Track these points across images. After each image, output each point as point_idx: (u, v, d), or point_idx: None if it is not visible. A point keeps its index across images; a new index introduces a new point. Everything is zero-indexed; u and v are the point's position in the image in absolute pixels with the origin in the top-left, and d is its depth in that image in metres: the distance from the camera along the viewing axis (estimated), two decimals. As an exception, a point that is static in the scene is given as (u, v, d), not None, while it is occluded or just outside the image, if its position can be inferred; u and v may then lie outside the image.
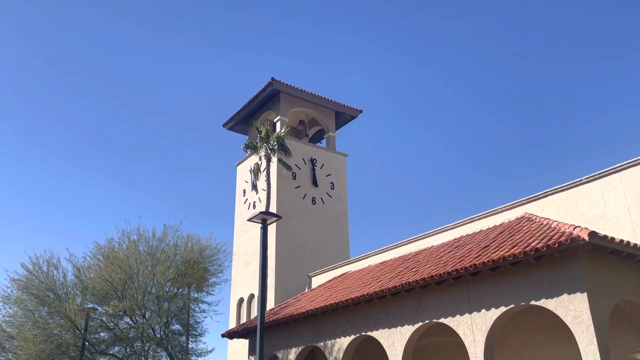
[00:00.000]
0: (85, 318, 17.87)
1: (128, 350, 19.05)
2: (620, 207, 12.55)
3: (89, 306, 18.23)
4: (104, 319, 19.08)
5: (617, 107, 49.30)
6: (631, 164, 12.59)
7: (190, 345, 19.68)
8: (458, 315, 12.06)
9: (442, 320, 12.43)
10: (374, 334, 14.04)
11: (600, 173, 13.17)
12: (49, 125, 61.40)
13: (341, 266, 21.05)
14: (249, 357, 19.42)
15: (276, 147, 22.28)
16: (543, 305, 10.66)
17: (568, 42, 51.60)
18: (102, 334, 19.45)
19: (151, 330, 18.72)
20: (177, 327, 19.79)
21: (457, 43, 56.88)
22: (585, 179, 13.47)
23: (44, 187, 61.84)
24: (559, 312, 10.35)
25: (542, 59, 52.76)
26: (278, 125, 25.85)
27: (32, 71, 59.64)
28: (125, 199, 62.05)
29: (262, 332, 11.93)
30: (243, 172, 27.58)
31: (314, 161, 26.24)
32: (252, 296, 24.67)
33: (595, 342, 9.69)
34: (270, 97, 26.59)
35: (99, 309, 18.77)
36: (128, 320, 18.99)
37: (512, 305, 11.14)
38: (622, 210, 12.50)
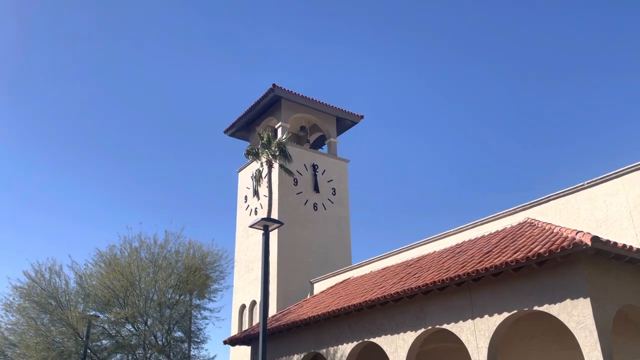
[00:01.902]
0: (87, 325, 17.84)
1: (130, 357, 18.99)
2: (623, 211, 12.52)
3: (91, 313, 18.20)
4: (106, 326, 19.04)
5: (619, 111, 49.32)
6: (633, 168, 12.57)
7: (192, 352, 19.63)
8: (461, 321, 12.02)
9: (445, 326, 12.39)
10: (377, 340, 14.00)
11: (602, 177, 13.15)
12: (50, 131, 61.59)
13: (343, 272, 21.01)
14: (251, 364, 19.35)
15: (277, 153, 22.30)
16: (546, 311, 10.62)
17: (569, 46, 51.71)
18: (104, 341, 19.40)
19: (153, 338, 18.68)
20: (179, 334, 19.75)
21: (459, 48, 57.02)
22: (587, 183, 13.45)
23: (46, 194, 61.96)
24: (562, 318, 10.31)
25: (543, 63, 52.86)
26: (279, 131, 25.89)
27: (33, 75, 59.88)
28: (127, 205, 62.13)
29: (265, 338, 11.90)
30: (244, 179, 27.60)
31: (316, 167, 26.25)
32: (254, 303, 24.63)
33: (599, 348, 9.65)
34: (272, 104, 26.64)
35: (101, 316, 18.74)
36: (130, 327, 18.96)
37: (515, 311, 11.10)
38: (625, 214, 12.47)
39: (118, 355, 19.34)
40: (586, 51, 50.88)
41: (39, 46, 59.19)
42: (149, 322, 18.75)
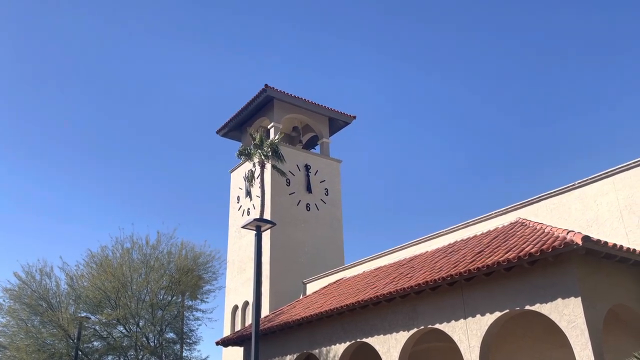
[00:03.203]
0: (78, 327, 17.73)
1: (122, 359, 18.89)
2: (613, 211, 12.62)
3: (82, 315, 18.08)
4: (97, 327, 18.93)
5: (610, 112, 49.71)
6: (623, 168, 12.67)
7: (184, 354, 19.57)
8: (453, 321, 12.05)
9: (437, 325, 12.42)
10: (370, 340, 14.01)
11: (593, 177, 13.24)
12: (41, 132, 61.16)
13: (336, 272, 21.01)
14: (243, 365, 19.29)
15: (270, 154, 22.26)
16: (538, 310, 10.68)
17: (562, 49, 52.02)
18: (95, 343, 19.29)
19: (145, 339, 18.60)
20: (171, 335, 19.68)
21: (452, 48, 57.22)
22: (578, 183, 13.54)
23: (37, 195, 61.51)
24: (554, 317, 10.37)
25: (533, 65, 53.15)
26: (272, 131, 25.85)
27: (25, 75, 59.44)
28: (119, 206, 61.81)
29: (257, 339, 11.86)
30: (237, 179, 27.54)
31: (308, 167, 26.24)
32: (246, 303, 24.57)
33: (590, 347, 9.71)
34: (264, 104, 26.61)
35: (92, 317, 18.62)
36: (122, 329, 18.86)
37: (507, 310, 11.15)
38: (615, 214, 12.57)
39: (109, 357, 19.25)
40: (582, 51, 51.27)
41: (28, 45, 58.81)
42: (140, 324, 18.66)
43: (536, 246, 10.63)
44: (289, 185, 25.24)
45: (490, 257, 11.51)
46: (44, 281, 19.25)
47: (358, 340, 14.38)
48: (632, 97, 48.00)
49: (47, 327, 18.61)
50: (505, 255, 10.95)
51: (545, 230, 11.86)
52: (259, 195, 23.08)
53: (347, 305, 14.18)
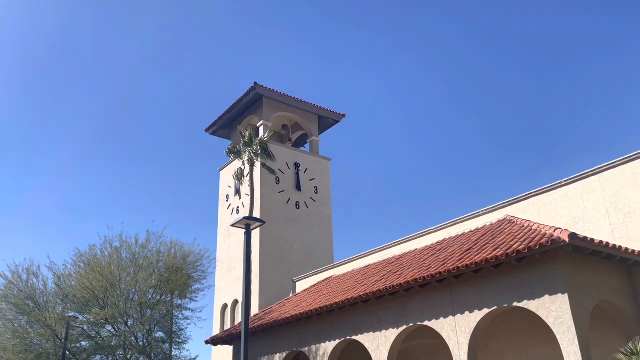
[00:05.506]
0: (66, 327, 17.59)
1: (110, 359, 18.78)
2: (599, 208, 12.76)
3: (70, 315, 17.95)
4: (85, 327, 18.81)
5: (598, 111, 50.21)
6: (609, 166, 12.82)
7: (173, 353, 19.49)
8: (442, 318, 12.13)
9: (426, 323, 12.48)
10: (359, 338, 14.05)
11: (580, 175, 13.38)
12: (29, 130, 60.51)
13: (325, 270, 21.04)
14: (233, 364, 19.25)
15: (259, 152, 22.21)
16: (525, 307, 10.77)
17: (552, 49, 52.45)
18: (83, 342, 19.16)
19: (134, 338, 18.50)
20: (160, 334, 19.59)
21: (440, 47, 57.45)
22: (565, 181, 13.68)
23: (24, 193, 60.85)
24: (541, 313, 10.47)
25: (523, 65, 53.54)
26: (261, 129, 25.80)
27: (14, 71, 58.75)
28: (108, 205, 61.33)
29: (247, 338, 11.85)
30: (226, 177, 27.45)
31: (298, 165, 26.23)
32: (236, 302, 24.53)
33: (577, 343, 9.81)
34: (254, 102, 26.55)
35: (80, 317, 18.50)
36: (110, 328, 18.75)
37: (495, 307, 11.23)
38: (601, 211, 12.71)
39: (98, 357, 19.14)
40: (569, 51, 51.71)
41: (18, 45, 58.12)
42: (129, 323, 18.56)
43: (524, 243, 10.72)
44: (279, 183, 25.22)
45: (478, 254, 11.59)
46: (31, 281, 19.11)
47: (348, 338, 14.41)
48: (628, 97, 48.55)
49: (35, 327, 18.46)
50: (493, 253, 11.03)
51: (533, 228, 11.97)
52: (249, 193, 23.03)
53: (336, 303, 14.20)
